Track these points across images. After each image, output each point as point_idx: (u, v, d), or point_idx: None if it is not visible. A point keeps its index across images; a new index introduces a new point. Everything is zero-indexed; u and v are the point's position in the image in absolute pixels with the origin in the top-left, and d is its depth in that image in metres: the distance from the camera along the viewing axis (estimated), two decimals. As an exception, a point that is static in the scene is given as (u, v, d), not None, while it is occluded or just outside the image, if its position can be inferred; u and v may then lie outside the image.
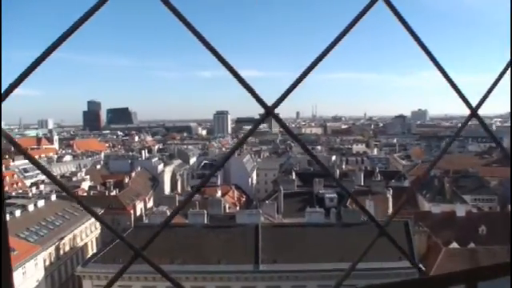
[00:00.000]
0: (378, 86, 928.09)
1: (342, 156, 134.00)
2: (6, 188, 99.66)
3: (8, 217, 52.54)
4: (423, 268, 39.74)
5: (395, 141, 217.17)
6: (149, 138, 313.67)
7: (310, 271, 43.85)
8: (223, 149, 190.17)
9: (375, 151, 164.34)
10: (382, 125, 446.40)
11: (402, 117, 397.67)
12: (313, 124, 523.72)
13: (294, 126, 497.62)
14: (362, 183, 78.44)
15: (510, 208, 51.30)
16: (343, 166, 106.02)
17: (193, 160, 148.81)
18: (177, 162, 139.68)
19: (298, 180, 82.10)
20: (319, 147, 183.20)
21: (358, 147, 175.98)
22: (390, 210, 63.16)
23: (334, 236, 47.47)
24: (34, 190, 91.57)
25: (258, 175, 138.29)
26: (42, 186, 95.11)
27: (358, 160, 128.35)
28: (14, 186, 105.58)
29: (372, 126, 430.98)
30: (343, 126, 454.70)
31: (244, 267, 44.96)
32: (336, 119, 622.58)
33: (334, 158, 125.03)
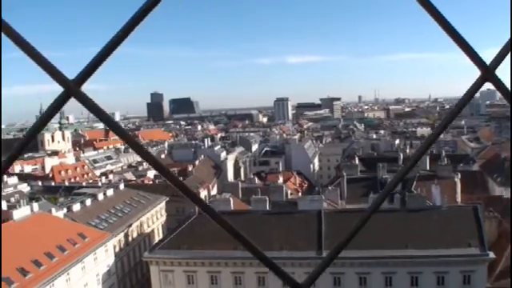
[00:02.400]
0: (443, 66, 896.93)
1: (405, 140, 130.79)
2: (77, 178, 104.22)
3: (79, 206, 55.22)
4: (493, 255, 37.86)
5: (463, 122, 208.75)
6: (211, 127, 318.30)
7: (374, 258, 43.17)
8: (284, 135, 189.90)
9: (441, 134, 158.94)
10: (448, 106, 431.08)
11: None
12: (375, 107, 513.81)
13: (356, 110, 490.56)
14: (428, 168, 75.92)
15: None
16: (407, 150, 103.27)
17: (255, 147, 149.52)
18: (239, 149, 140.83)
19: (361, 165, 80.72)
20: (382, 131, 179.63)
21: (423, 130, 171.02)
22: (459, 196, 60.95)
23: (398, 222, 46.37)
24: (103, 179, 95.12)
25: (320, 161, 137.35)
26: (110, 176, 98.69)
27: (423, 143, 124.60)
28: (85, 176, 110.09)
29: (437, 108, 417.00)
30: (406, 109, 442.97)
31: (307, 254, 44.83)
32: (399, 102, 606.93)
33: (397, 141, 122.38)
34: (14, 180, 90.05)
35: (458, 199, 60.24)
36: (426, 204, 50.16)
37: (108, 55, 1.37)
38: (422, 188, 55.66)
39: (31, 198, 70.61)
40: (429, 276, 43.06)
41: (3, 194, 77.91)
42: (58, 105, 1.38)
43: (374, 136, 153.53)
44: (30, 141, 1.48)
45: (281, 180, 77.27)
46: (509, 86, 1.60)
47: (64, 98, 1.36)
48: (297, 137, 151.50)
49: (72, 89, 1.35)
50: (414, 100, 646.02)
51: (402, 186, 64.61)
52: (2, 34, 1.11)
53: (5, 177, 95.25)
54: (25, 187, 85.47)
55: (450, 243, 42.99)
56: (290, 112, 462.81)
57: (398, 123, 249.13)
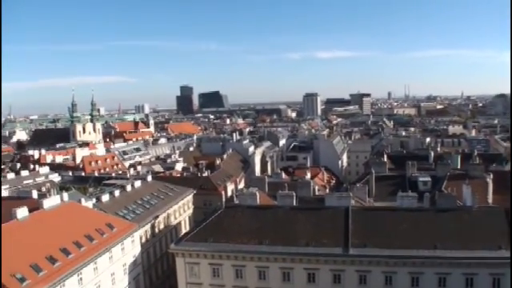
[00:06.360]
0: (476, 63, 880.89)
1: (436, 138, 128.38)
2: (107, 169, 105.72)
3: (108, 196, 55.90)
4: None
5: (496, 121, 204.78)
6: (240, 121, 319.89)
7: (401, 257, 42.45)
8: (312, 130, 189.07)
9: (473, 132, 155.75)
10: (481, 104, 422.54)
11: (503, 95, 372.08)
12: (405, 104, 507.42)
13: (385, 106, 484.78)
14: (459, 166, 74.41)
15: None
16: (438, 148, 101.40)
17: (282, 142, 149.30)
18: (267, 143, 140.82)
19: (390, 163, 79.64)
20: (412, 128, 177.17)
21: (455, 128, 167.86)
22: (490, 196, 59.47)
23: (427, 222, 45.53)
24: (132, 171, 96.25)
25: (348, 157, 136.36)
26: (139, 168, 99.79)
27: (455, 142, 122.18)
28: (114, 167, 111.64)
29: (470, 106, 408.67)
30: (438, 106, 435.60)
31: (333, 250, 44.41)
32: (430, 99, 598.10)
33: (428, 139, 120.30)
34: (45, 170, 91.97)
35: (490, 200, 58.73)
36: (456, 204, 49.03)
37: None
38: (453, 188, 54.39)
39: (62, 187, 72.02)
40: (457, 277, 42.16)
41: (35, 183, 79.75)
42: None
43: (404, 133, 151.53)
44: None
45: (308, 176, 76.79)
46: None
47: None
48: (325, 132, 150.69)
49: None
50: (446, 97, 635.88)
51: (432, 185, 63.52)
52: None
53: (36, 166, 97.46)
54: (56, 177, 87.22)
55: (479, 245, 42.01)
56: (319, 107, 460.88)
57: (429, 121, 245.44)
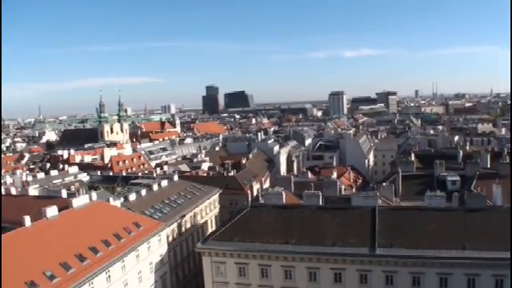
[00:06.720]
0: (505, 59, 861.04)
1: (465, 136, 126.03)
2: (134, 169, 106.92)
3: (135, 196, 56.49)
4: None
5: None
6: (265, 121, 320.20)
7: (429, 258, 41.88)
8: (339, 129, 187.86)
9: (503, 131, 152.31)
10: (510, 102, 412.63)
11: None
12: (433, 102, 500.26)
13: (412, 104, 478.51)
14: (489, 165, 73.01)
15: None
16: (467, 147, 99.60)
17: (308, 141, 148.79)
18: (292, 143, 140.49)
19: (418, 162, 78.59)
20: (440, 127, 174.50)
21: (484, 127, 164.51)
22: (521, 195, 58.21)
23: (455, 222, 44.81)
24: (158, 170, 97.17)
25: (375, 156, 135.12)
26: (165, 167, 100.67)
27: (484, 140, 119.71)
28: (141, 167, 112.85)
29: (500, 104, 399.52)
30: (467, 104, 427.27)
31: (360, 250, 44.09)
32: (459, 97, 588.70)
33: (456, 138, 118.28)
34: (74, 169, 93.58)
35: (521, 199, 57.57)
36: (485, 204, 48.17)
37: None
38: (482, 187, 53.36)
39: (90, 187, 73.17)
40: (487, 279, 41.38)
41: (64, 182, 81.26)
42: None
43: (432, 132, 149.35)
44: None
45: (335, 175, 76.41)
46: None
47: None
48: (352, 131, 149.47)
49: None
50: (475, 95, 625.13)
51: (461, 185, 62.46)
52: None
53: (66, 166, 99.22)
54: (84, 176, 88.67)
55: (510, 245, 41.17)
56: (345, 106, 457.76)
57: (458, 119, 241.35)
